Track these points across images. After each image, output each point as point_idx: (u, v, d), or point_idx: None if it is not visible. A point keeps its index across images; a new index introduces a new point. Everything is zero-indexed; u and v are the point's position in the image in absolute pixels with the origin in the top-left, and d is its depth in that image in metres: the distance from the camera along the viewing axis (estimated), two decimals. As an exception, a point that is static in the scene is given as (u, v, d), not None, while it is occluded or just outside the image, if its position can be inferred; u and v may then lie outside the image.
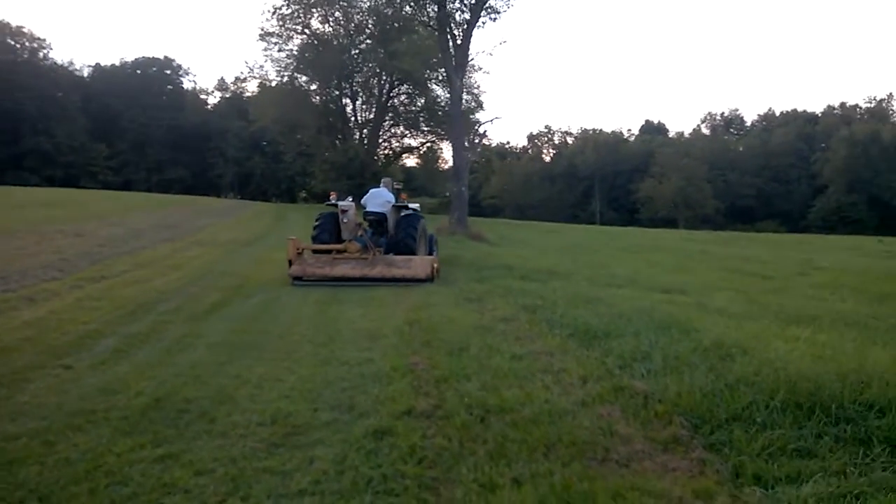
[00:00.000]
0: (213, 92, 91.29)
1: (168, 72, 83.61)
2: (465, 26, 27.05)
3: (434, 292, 10.21)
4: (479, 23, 26.95)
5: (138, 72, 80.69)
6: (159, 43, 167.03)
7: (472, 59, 28.48)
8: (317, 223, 13.34)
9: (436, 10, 27.28)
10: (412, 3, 29.49)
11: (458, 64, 27.33)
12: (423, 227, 13.58)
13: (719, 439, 4.02)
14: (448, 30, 27.03)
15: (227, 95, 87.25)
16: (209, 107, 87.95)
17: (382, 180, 14.08)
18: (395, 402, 4.90)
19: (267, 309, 9.20)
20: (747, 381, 4.71)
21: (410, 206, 13.68)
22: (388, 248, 12.79)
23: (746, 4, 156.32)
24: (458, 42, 27.15)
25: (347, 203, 13.25)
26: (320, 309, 9.13)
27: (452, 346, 6.49)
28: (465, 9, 27.29)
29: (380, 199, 13.12)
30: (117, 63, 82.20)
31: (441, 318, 7.94)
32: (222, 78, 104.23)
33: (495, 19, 27.65)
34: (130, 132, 76.45)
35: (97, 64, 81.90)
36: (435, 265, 12.18)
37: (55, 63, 76.07)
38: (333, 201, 13.49)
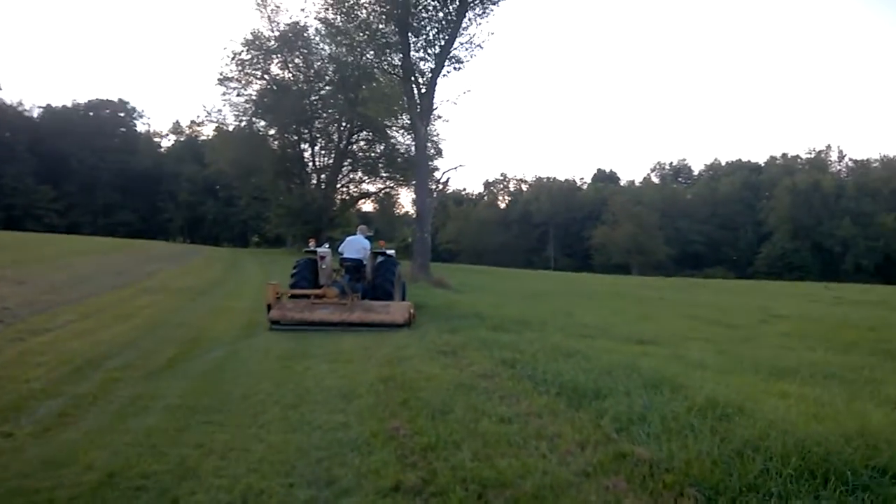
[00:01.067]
0: (167, 135, 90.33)
1: (122, 114, 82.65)
2: (430, 75, 27.18)
3: (406, 345, 9.77)
4: (444, 72, 27.11)
5: (91, 114, 79.55)
6: (113, 85, 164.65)
7: (437, 108, 28.50)
8: (295, 269, 13.53)
9: (400, 58, 27.41)
10: (375, 51, 29.53)
11: (422, 111, 27.35)
12: (399, 272, 13.93)
13: (738, 514, 3.73)
14: (413, 78, 27.11)
15: (182, 139, 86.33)
16: (162, 150, 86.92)
17: (358, 228, 14.37)
18: (379, 475, 4.47)
19: (227, 365, 8.62)
20: (755, 445, 4.46)
21: (387, 252, 13.92)
22: (366, 293, 13.12)
23: (688, 59, 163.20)
24: (423, 90, 27.23)
25: (325, 250, 13.72)
26: (285, 364, 8.59)
27: (434, 407, 6.07)
28: (428, 58, 27.51)
29: (357, 245, 13.47)
30: (69, 104, 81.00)
31: (417, 375, 7.51)
32: (177, 121, 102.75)
33: (459, 69, 27.80)
34: (79, 174, 74.83)
35: (48, 105, 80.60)
36: (411, 310, 12.30)
37: (3, 103, 74.54)
38: (312, 247, 13.88)
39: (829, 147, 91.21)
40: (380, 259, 13.75)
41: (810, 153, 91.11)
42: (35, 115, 79.24)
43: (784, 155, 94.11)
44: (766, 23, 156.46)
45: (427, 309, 14.39)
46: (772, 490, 3.93)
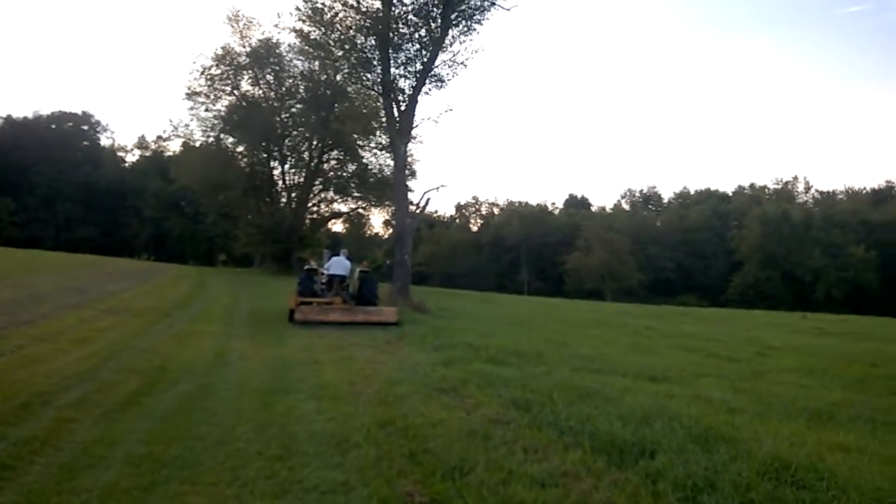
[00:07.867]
0: (132, 150, 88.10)
1: (85, 127, 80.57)
2: (410, 92, 26.39)
3: (398, 380, 8.80)
4: (425, 90, 26.36)
5: (53, 126, 77.31)
6: (77, 98, 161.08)
7: (417, 126, 27.68)
8: (299, 282, 17.31)
9: (379, 74, 26.60)
10: (353, 66, 28.66)
11: (402, 130, 26.50)
12: (377, 286, 18.45)
13: None
14: (392, 95, 26.31)
15: (147, 154, 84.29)
16: (127, 164, 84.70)
17: (341, 251, 18.09)
18: (401, 563, 3.53)
19: (198, 401, 7.51)
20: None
21: (368, 270, 18.40)
22: (357, 302, 17.06)
23: (658, 89, 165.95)
24: (403, 108, 26.43)
25: (318, 268, 18.26)
26: (264, 401, 7.54)
27: (449, 464, 5.13)
28: (409, 75, 26.75)
29: (342, 264, 17.44)
30: (30, 116, 78.62)
31: (419, 419, 6.56)
32: (143, 136, 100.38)
33: (441, 87, 27.02)
34: (40, 187, 72.35)
35: (8, 116, 78.08)
36: (398, 313, 16.44)
37: (-38, 113, 71.99)
38: (313, 266, 18.43)
39: (795, 178, 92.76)
40: (364, 276, 17.88)
41: (777, 184, 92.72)
42: (-5, 125, 76.82)
43: (752, 185, 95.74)
44: (734, 57, 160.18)
45: (413, 337, 13.44)
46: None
